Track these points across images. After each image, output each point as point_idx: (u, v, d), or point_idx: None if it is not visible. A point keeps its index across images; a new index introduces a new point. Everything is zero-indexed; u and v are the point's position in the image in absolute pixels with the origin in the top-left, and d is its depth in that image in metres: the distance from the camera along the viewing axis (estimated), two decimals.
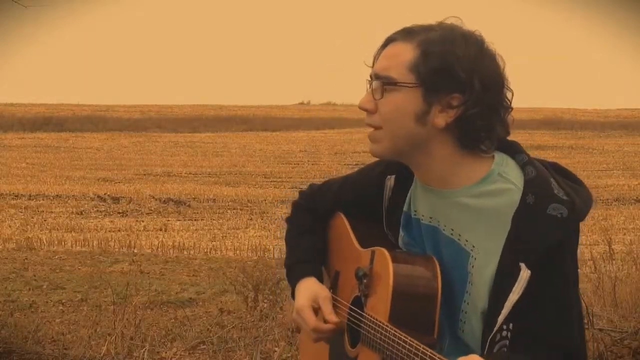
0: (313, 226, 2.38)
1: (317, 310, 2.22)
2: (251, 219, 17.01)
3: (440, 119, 1.95)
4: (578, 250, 2.03)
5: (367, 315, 2.08)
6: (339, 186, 2.34)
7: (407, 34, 1.99)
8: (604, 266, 9.36)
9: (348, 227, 2.30)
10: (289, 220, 2.45)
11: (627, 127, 53.90)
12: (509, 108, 2.00)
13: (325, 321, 2.19)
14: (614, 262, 9.94)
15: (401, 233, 2.15)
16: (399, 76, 1.96)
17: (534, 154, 2.11)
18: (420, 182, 2.09)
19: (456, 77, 1.93)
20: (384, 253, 2.06)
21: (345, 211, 2.32)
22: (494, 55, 1.98)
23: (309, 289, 2.26)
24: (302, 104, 79.99)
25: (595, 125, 55.14)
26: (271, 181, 26.07)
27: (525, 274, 1.90)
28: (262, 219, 16.82)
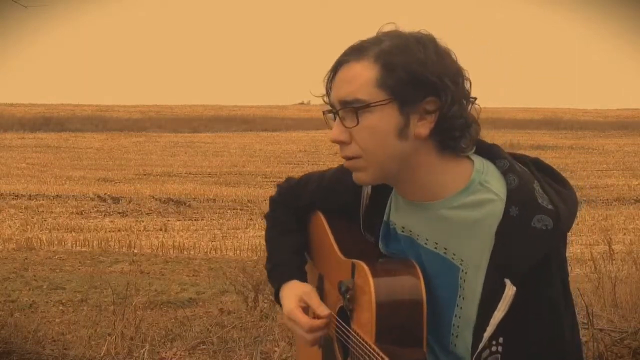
0: (293, 224, 2.32)
1: (306, 309, 2.16)
2: (251, 219, 17.02)
3: (421, 127, 1.87)
4: (570, 253, 1.98)
5: (353, 333, 2.04)
6: (317, 184, 2.27)
7: (357, 52, 1.89)
8: (604, 266, 9.36)
9: (327, 229, 2.24)
10: (268, 217, 2.38)
11: (627, 127, 53.92)
12: (471, 99, 1.93)
13: (316, 316, 2.13)
14: (614, 262, 9.93)
15: (380, 244, 2.08)
16: (368, 96, 1.85)
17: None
18: (400, 197, 2.02)
19: (427, 82, 1.84)
20: (363, 267, 1.99)
21: (324, 210, 2.26)
22: (448, 49, 1.91)
23: (293, 290, 2.19)
24: (302, 104, 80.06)
25: (595, 125, 55.17)
26: (271, 181, 26.06)
27: (510, 291, 1.84)
28: (262, 219, 16.78)
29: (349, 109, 1.87)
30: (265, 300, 7.09)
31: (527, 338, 1.88)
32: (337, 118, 1.90)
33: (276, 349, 5.97)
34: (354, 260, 2.04)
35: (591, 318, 5.29)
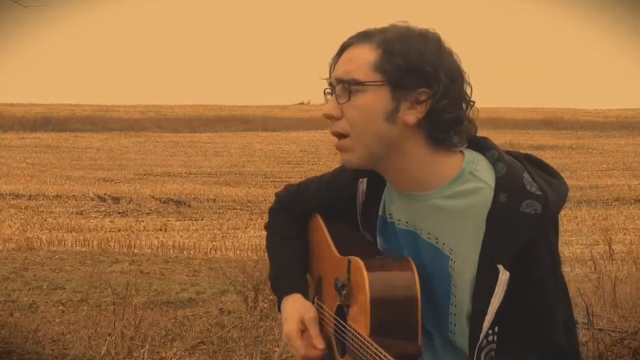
0: (293, 231, 2.33)
1: (304, 331, 2.18)
2: (251, 219, 17.02)
3: (410, 115, 1.91)
4: (561, 247, 1.99)
5: (349, 328, 2.06)
6: (315, 188, 2.30)
7: (363, 37, 1.96)
8: (604, 266, 9.36)
9: (325, 231, 2.26)
10: (268, 227, 2.40)
11: (627, 127, 53.88)
12: (470, 102, 1.98)
13: (313, 345, 2.16)
14: (614, 262, 9.95)
15: (378, 239, 2.11)
16: (364, 77, 1.91)
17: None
18: (393, 187, 2.05)
19: (422, 72, 1.90)
20: (358, 263, 2.01)
21: (322, 213, 2.29)
22: (451, 50, 1.95)
23: (295, 308, 2.21)
24: (302, 104, 79.95)
25: (595, 125, 55.14)
26: (271, 181, 26.07)
27: (504, 276, 1.87)
28: (262, 219, 16.81)
29: (345, 86, 1.93)
30: (265, 300, 7.09)
31: (520, 325, 1.90)
32: (333, 95, 1.96)
33: (276, 349, 5.97)
34: (350, 257, 2.07)
35: (591, 318, 5.29)
